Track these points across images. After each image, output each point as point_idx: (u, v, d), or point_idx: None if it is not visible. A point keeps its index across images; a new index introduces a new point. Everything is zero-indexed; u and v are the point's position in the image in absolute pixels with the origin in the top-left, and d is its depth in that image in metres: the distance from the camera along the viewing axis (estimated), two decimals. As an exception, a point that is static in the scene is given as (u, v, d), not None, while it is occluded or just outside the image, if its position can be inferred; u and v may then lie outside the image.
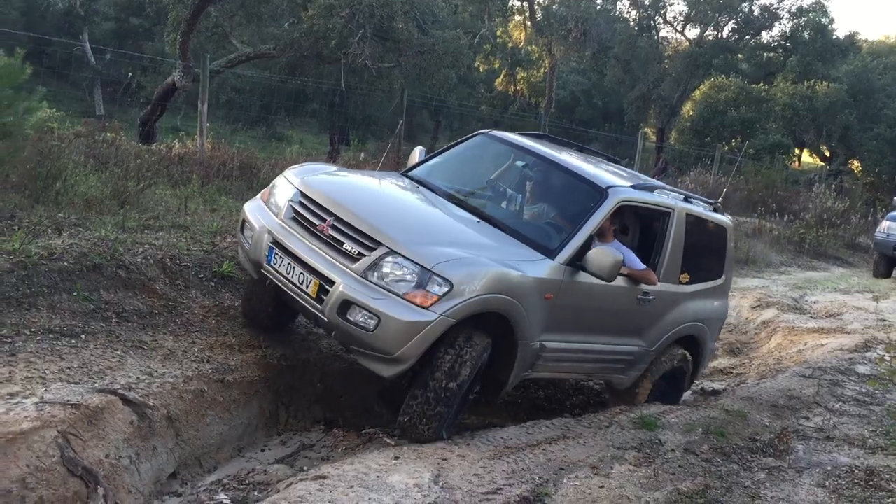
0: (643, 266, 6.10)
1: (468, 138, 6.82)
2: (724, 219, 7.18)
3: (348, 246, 4.90)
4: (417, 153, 6.69)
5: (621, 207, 5.94)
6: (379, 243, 4.83)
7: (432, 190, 6.01)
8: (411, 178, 6.27)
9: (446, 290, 4.71)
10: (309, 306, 4.97)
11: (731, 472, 5.08)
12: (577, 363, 6.05)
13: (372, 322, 4.69)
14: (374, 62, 16.81)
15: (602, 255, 5.38)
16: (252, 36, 18.86)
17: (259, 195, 5.78)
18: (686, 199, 6.65)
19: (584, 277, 5.49)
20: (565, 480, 4.62)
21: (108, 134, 11.86)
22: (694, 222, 6.63)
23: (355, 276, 4.80)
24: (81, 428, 4.19)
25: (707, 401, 7.04)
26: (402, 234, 4.96)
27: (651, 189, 6.36)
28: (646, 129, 31.05)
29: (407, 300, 4.70)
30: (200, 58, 13.15)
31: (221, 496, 4.61)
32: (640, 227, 6.60)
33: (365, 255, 4.83)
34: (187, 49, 15.41)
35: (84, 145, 10.36)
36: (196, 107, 13.25)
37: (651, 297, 6.21)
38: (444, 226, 5.45)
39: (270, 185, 5.72)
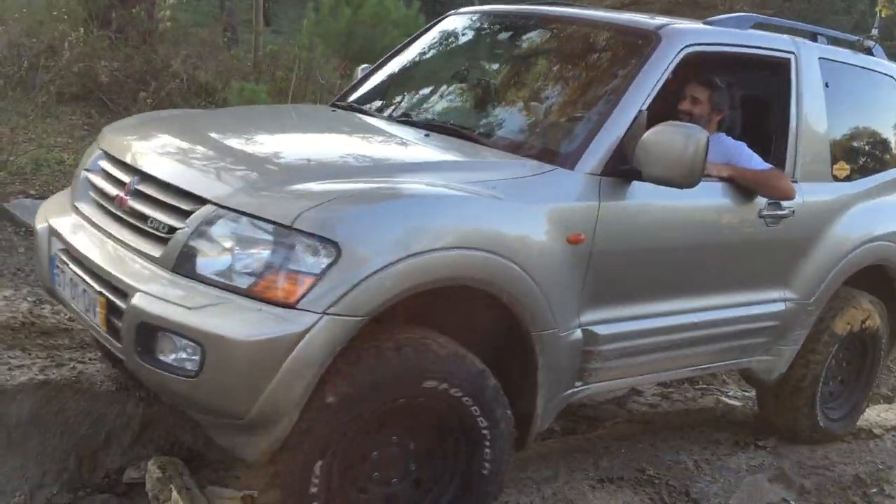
0: (764, 165, 3.58)
1: (429, 28, 4.30)
2: (889, 64, 4.41)
3: (155, 220, 2.66)
4: (359, 72, 4.35)
5: (697, 63, 3.48)
6: (202, 199, 2.58)
7: (370, 114, 3.74)
8: (341, 107, 3.95)
9: (328, 260, 2.39)
10: (112, 349, 2.68)
11: None
12: (672, 351, 3.44)
13: (193, 360, 2.39)
14: None
15: (666, 134, 2.94)
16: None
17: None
18: (814, 38, 4.02)
19: (646, 194, 3.07)
20: (916, 472, 4.24)
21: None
22: (837, 74, 4.03)
23: (164, 272, 2.54)
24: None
25: None
26: (244, 173, 2.73)
27: (743, 23, 3.71)
28: None
29: (255, 297, 2.40)
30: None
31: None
32: (744, 101, 3.88)
33: (180, 228, 2.56)
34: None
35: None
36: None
37: (787, 212, 3.64)
38: (347, 151, 3.24)
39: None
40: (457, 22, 4.23)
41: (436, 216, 2.59)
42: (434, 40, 4.22)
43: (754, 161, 3.54)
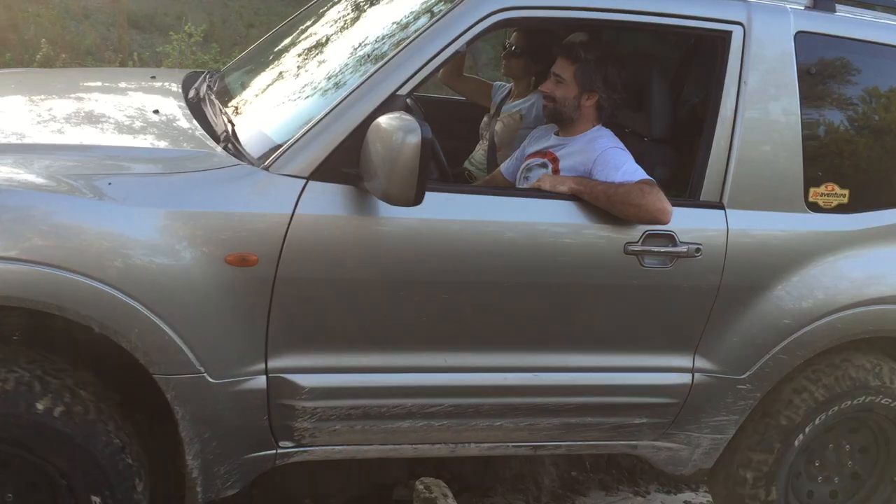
0: (634, 176, 2.50)
1: None
2: None
3: None
4: None
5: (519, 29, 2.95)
6: None
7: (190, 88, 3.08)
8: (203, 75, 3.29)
9: None
10: None
11: None
12: (454, 419, 2.55)
13: None
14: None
15: (381, 129, 2.09)
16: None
17: None
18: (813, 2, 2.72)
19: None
20: None
21: None
22: (840, 55, 2.74)
23: None
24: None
25: None
26: None
27: None
28: None
29: None
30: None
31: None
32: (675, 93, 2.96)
33: None
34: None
35: None
36: None
37: (687, 250, 2.53)
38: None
39: None
40: None
41: None
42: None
43: (621, 171, 2.49)
